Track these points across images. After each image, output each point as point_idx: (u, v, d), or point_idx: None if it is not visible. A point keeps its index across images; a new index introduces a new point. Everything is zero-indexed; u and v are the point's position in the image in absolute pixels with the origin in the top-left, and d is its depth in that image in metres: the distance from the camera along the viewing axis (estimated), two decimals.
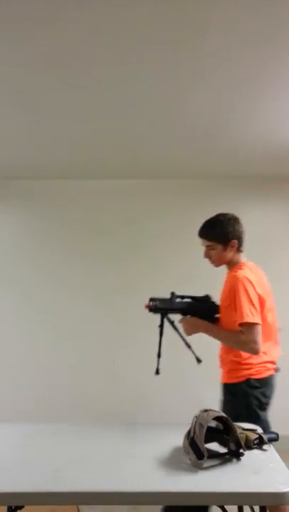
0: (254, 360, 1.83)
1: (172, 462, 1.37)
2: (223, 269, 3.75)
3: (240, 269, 1.94)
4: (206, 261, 3.77)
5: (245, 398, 1.84)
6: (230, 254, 2.01)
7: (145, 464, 1.36)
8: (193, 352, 1.91)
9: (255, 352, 1.76)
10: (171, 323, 1.91)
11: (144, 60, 1.82)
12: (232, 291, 1.87)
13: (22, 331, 3.51)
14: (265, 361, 1.88)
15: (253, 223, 3.68)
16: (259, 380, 1.85)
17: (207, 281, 3.55)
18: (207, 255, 2.06)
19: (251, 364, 1.83)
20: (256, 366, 1.85)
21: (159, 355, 1.92)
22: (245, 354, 1.82)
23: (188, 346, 1.93)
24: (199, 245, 3.57)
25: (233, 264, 2.03)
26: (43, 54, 1.76)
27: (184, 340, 1.93)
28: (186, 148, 2.93)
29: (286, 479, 1.26)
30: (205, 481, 1.25)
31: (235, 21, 1.56)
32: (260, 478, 1.27)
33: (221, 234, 1.99)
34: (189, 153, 3.02)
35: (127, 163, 3.25)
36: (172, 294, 2.01)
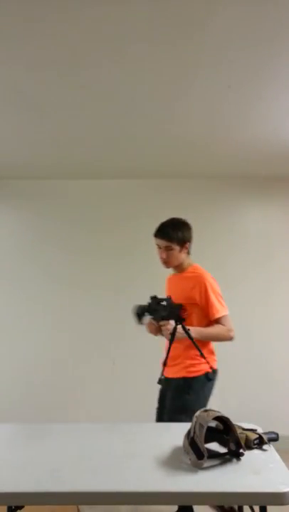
0: (210, 353, 2.06)
1: (172, 462, 1.37)
2: (220, 266, 3.77)
3: (198, 269, 2.13)
4: (204, 259, 3.77)
5: (202, 391, 2.00)
6: (183, 256, 2.12)
7: (145, 464, 1.36)
8: None
9: (233, 338, 2.07)
10: (187, 331, 1.86)
11: (143, 60, 1.81)
12: (197, 291, 2.03)
13: (22, 330, 3.51)
14: (214, 354, 2.14)
15: (253, 223, 3.71)
16: (214, 372, 2.03)
17: None
18: (163, 255, 2.10)
19: (209, 357, 2.00)
20: (212, 359, 2.06)
21: (165, 364, 1.89)
22: (205, 348, 2.01)
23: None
24: (199, 245, 3.57)
25: (184, 266, 2.14)
26: (42, 54, 1.76)
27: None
28: (186, 148, 2.93)
29: (286, 479, 1.26)
30: (205, 481, 1.25)
31: (235, 21, 1.56)
32: (260, 478, 1.27)
33: (181, 236, 2.09)
34: (189, 153, 3.02)
35: (127, 163, 3.25)
36: (154, 298, 2.00)
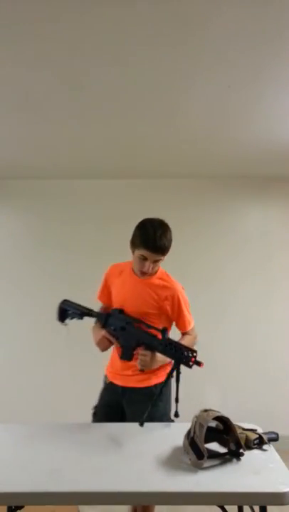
0: None
1: (172, 462, 1.37)
2: (219, 266, 3.74)
3: (170, 279, 1.95)
4: (204, 259, 3.75)
5: (167, 393, 1.89)
6: None
7: (145, 464, 1.36)
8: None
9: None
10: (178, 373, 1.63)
11: (144, 60, 1.82)
12: (169, 303, 1.88)
13: (22, 330, 3.51)
14: None
15: (253, 223, 3.71)
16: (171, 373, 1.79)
17: (206, 279, 3.57)
18: (149, 269, 1.81)
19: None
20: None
21: (176, 400, 1.61)
22: None
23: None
24: (198, 245, 3.59)
25: (153, 272, 1.90)
26: (42, 54, 1.76)
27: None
28: (186, 148, 2.93)
29: (286, 479, 1.26)
30: (205, 481, 1.25)
31: (235, 21, 1.56)
32: (260, 478, 1.27)
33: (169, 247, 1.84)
34: (189, 153, 3.02)
35: (126, 163, 3.25)
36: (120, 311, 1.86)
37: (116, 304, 1.94)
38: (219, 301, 3.54)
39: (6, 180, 3.59)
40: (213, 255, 3.58)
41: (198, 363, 1.56)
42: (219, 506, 1.54)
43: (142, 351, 1.72)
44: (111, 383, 1.95)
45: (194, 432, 1.38)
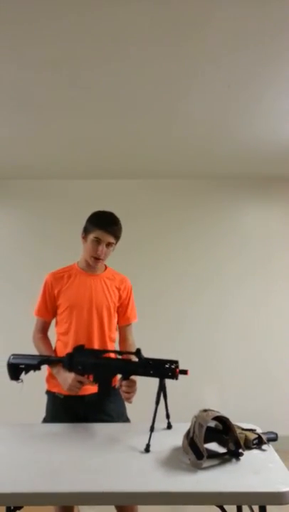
0: None
1: (172, 462, 1.37)
2: (220, 266, 3.74)
3: (118, 273, 2.02)
4: (204, 259, 3.76)
5: (120, 396, 1.79)
6: None
7: (145, 464, 1.36)
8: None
9: None
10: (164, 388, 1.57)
11: (144, 60, 1.82)
12: (126, 294, 1.96)
13: (22, 330, 3.50)
14: None
15: (253, 223, 3.71)
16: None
17: (206, 279, 3.57)
18: (102, 252, 1.84)
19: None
20: None
21: (152, 429, 1.49)
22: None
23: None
24: (198, 244, 3.59)
25: (100, 266, 1.95)
26: (42, 54, 1.76)
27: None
28: (186, 148, 2.93)
29: (285, 479, 1.26)
30: (204, 481, 1.25)
31: (235, 21, 1.56)
32: (260, 478, 1.27)
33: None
34: (189, 153, 3.02)
35: (127, 163, 3.25)
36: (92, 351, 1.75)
37: (71, 308, 1.86)
38: (219, 301, 3.54)
39: (6, 180, 3.59)
40: (213, 255, 3.58)
41: (184, 372, 1.51)
42: (218, 506, 1.54)
43: (125, 386, 1.63)
44: (68, 396, 1.79)
45: (194, 432, 1.38)
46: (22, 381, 1.75)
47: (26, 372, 1.74)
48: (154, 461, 1.38)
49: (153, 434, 1.47)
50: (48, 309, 1.95)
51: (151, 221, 3.59)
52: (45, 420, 1.90)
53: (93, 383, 1.66)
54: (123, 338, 2.00)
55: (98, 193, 3.58)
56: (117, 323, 1.97)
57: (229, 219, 3.62)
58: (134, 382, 1.65)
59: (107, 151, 2.98)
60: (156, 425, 1.49)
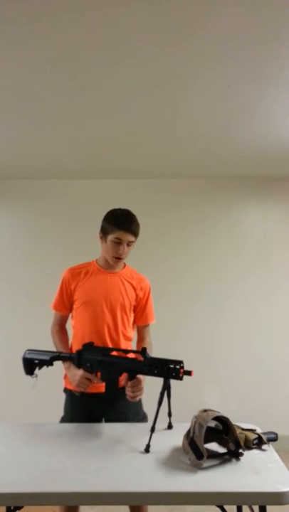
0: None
1: (172, 462, 1.37)
2: (219, 266, 3.73)
3: (136, 271, 2.03)
4: (204, 259, 3.76)
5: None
6: None
7: (145, 464, 1.36)
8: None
9: None
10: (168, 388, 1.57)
11: (144, 61, 1.82)
12: (144, 295, 1.97)
13: (21, 330, 3.51)
14: None
15: (253, 223, 3.71)
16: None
17: (206, 279, 3.57)
18: (124, 252, 1.86)
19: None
20: None
21: (152, 430, 1.48)
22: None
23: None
24: (198, 244, 3.58)
25: (122, 263, 1.98)
26: (42, 54, 1.76)
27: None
28: (186, 148, 2.93)
29: (285, 479, 1.26)
30: (204, 481, 1.26)
31: (235, 21, 1.56)
32: (260, 478, 1.27)
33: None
34: (189, 153, 3.02)
35: (127, 163, 3.25)
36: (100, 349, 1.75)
37: (86, 304, 1.88)
38: (219, 301, 3.55)
39: (6, 180, 3.60)
40: (213, 255, 3.59)
41: (188, 373, 1.51)
42: (218, 506, 1.54)
43: (130, 385, 1.65)
44: (85, 394, 1.80)
45: (194, 432, 1.39)
46: (36, 376, 1.78)
47: (40, 368, 1.78)
48: (154, 461, 1.38)
49: (153, 434, 1.47)
50: (65, 304, 1.97)
51: (151, 221, 3.58)
52: (63, 419, 1.92)
53: (101, 381, 1.68)
54: (140, 338, 2.03)
55: (98, 193, 3.58)
56: (135, 323, 1.99)
57: (229, 219, 3.62)
58: (139, 381, 1.66)
59: (107, 151, 2.98)
60: (156, 425, 1.49)
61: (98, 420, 1.85)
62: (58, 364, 1.83)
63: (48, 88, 2.05)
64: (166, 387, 1.54)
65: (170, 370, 1.52)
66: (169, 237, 3.59)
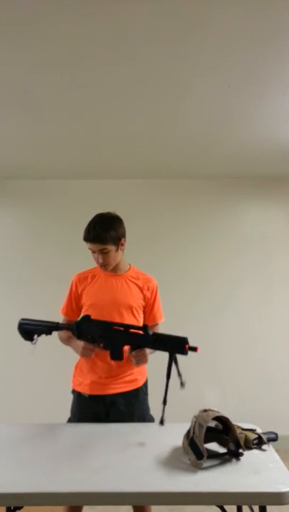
0: None
1: (172, 462, 1.37)
2: (220, 266, 3.73)
3: (144, 273, 2.03)
4: (204, 259, 3.76)
5: (145, 398, 1.93)
6: (120, 254, 1.93)
7: (145, 464, 1.36)
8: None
9: None
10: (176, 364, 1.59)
11: (143, 61, 1.82)
12: (151, 294, 1.97)
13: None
14: None
15: (253, 223, 3.71)
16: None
17: (206, 279, 3.57)
18: (100, 260, 1.86)
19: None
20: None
21: (164, 402, 1.56)
22: None
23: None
24: (198, 245, 3.59)
25: (122, 265, 1.97)
26: (42, 54, 1.76)
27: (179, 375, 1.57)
28: (186, 148, 2.93)
29: (285, 479, 1.26)
30: (204, 481, 1.26)
31: (235, 21, 1.56)
32: (260, 478, 1.27)
33: (114, 235, 1.84)
34: (189, 153, 3.02)
35: (127, 163, 3.25)
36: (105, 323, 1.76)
37: (93, 307, 1.89)
38: (219, 302, 3.54)
39: (6, 180, 3.59)
40: (212, 255, 3.58)
41: (194, 349, 1.53)
42: (218, 506, 1.54)
43: (134, 354, 1.69)
44: (92, 396, 1.85)
45: (194, 432, 1.39)
46: (36, 341, 1.85)
47: (39, 335, 1.84)
48: (154, 461, 1.38)
49: (153, 434, 1.47)
50: (73, 308, 1.99)
51: (151, 221, 3.59)
52: (70, 421, 1.92)
53: (103, 350, 1.73)
54: None
55: (98, 193, 3.58)
56: (144, 322, 1.97)
57: (229, 219, 3.62)
58: (144, 350, 1.70)
59: (107, 151, 2.98)
60: (154, 426, 1.49)
61: (104, 422, 1.84)
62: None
63: (48, 88, 2.05)
64: (174, 361, 1.56)
65: (175, 345, 1.55)
66: (169, 237, 3.59)
